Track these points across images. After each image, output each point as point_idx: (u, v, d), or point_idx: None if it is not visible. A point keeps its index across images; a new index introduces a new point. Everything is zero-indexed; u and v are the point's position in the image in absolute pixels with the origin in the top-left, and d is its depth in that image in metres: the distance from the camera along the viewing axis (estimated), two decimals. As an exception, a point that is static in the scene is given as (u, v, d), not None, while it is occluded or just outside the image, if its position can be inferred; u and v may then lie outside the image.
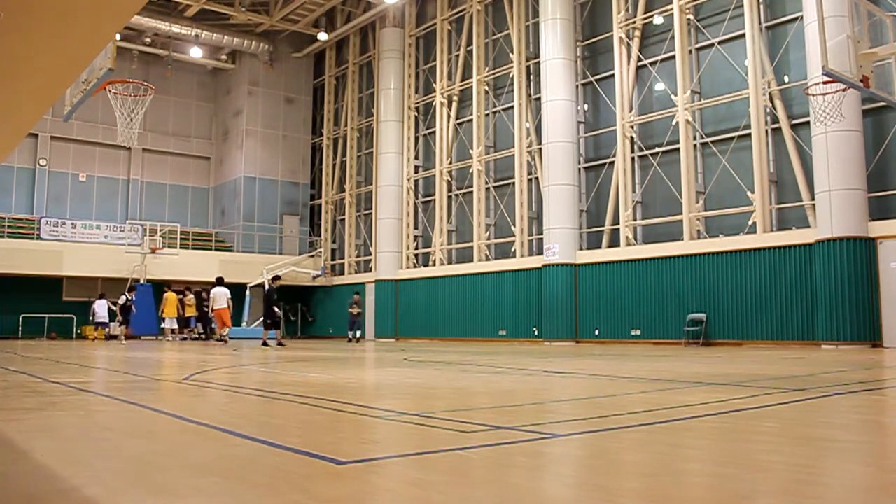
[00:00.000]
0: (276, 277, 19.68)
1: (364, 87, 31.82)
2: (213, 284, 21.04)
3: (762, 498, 2.26)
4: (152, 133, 32.43)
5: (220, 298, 20.11)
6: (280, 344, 16.23)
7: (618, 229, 20.70)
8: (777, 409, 4.51)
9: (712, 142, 19.08)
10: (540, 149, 22.86)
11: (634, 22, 20.93)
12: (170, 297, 23.95)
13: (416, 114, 28.84)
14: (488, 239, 24.93)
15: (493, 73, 25.33)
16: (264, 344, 17.28)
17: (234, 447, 3.16)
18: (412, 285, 27.32)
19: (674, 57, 19.73)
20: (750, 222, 17.86)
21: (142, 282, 26.36)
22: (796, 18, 17.47)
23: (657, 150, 20.26)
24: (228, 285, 21.04)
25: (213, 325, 23.72)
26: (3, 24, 5.32)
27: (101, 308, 22.77)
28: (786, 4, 18.13)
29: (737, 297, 17.65)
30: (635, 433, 3.53)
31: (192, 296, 25.57)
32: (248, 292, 28.44)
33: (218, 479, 2.46)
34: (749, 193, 17.92)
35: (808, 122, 16.31)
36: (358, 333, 24.04)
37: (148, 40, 31.47)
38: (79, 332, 27.56)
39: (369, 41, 31.29)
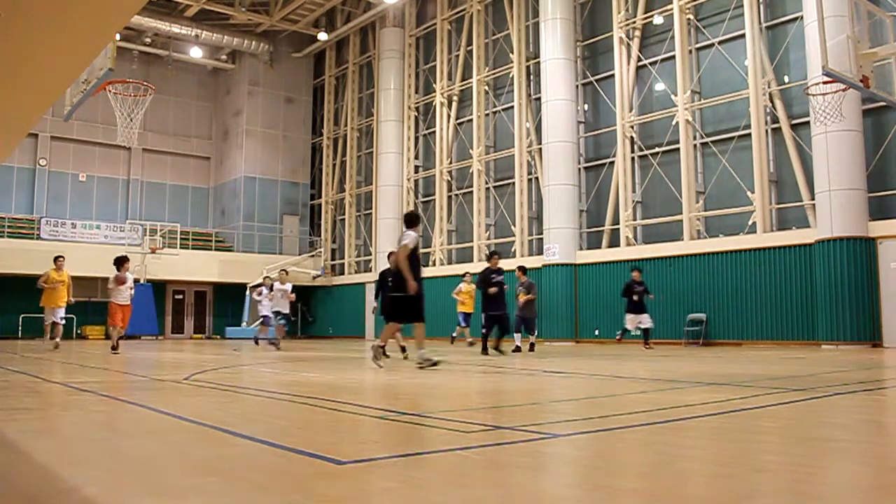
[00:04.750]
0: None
1: (364, 87, 31.81)
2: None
3: (762, 498, 2.25)
4: (152, 133, 32.42)
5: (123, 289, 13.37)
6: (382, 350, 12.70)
7: (618, 229, 20.69)
8: (777, 409, 4.51)
9: (712, 142, 19.07)
10: (540, 149, 22.85)
11: (634, 22, 20.93)
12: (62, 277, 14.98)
13: (416, 114, 28.83)
14: (488, 239, 24.92)
15: (493, 73, 25.32)
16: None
17: (234, 447, 3.16)
18: (412, 285, 27.26)
19: (674, 57, 19.72)
20: (750, 222, 17.85)
21: (142, 282, 26.36)
22: (796, 18, 17.46)
23: (657, 150, 20.25)
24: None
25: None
26: (2, 24, 5.31)
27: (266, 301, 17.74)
28: (786, 4, 18.12)
29: (737, 297, 17.64)
30: (635, 433, 3.53)
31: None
32: (247, 292, 28.42)
33: (218, 479, 2.46)
34: (749, 193, 17.91)
35: (808, 122, 16.30)
36: (532, 338, 14.63)
37: (148, 40, 31.46)
38: (79, 332, 27.54)
39: (369, 41, 31.29)
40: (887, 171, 16.02)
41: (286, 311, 16.04)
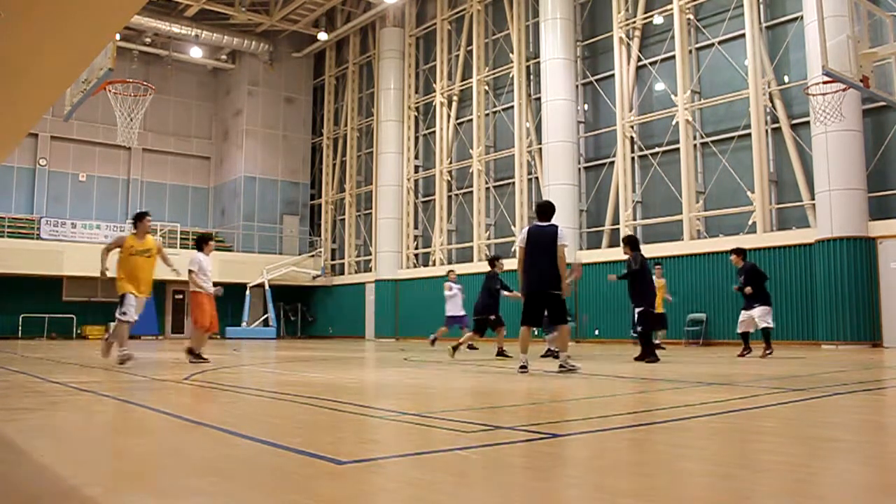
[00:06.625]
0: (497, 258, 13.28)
1: (364, 87, 31.81)
2: None
3: (762, 498, 2.25)
4: (152, 133, 32.41)
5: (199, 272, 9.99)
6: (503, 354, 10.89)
7: (618, 229, 20.67)
8: (777, 409, 4.51)
9: (712, 142, 19.07)
10: (540, 149, 22.85)
11: (634, 22, 20.93)
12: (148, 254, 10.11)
13: (416, 114, 28.83)
14: (488, 239, 24.92)
15: (493, 73, 25.32)
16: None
17: (234, 447, 3.16)
18: (412, 285, 27.30)
19: (674, 57, 19.72)
20: (750, 222, 17.85)
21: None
22: (796, 18, 17.46)
23: (657, 150, 20.25)
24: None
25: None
26: (3, 24, 5.31)
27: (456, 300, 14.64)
28: (786, 4, 18.12)
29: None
30: (635, 433, 3.53)
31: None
32: (247, 292, 28.41)
33: (218, 479, 2.46)
34: (749, 193, 17.91)
35: (808, 122, 16.30)
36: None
37: (148, 40, 31.46)
38: (79, 332, 27.55)
39: (369, 41, 31.28)
40: (887, 171, 16.02)
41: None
